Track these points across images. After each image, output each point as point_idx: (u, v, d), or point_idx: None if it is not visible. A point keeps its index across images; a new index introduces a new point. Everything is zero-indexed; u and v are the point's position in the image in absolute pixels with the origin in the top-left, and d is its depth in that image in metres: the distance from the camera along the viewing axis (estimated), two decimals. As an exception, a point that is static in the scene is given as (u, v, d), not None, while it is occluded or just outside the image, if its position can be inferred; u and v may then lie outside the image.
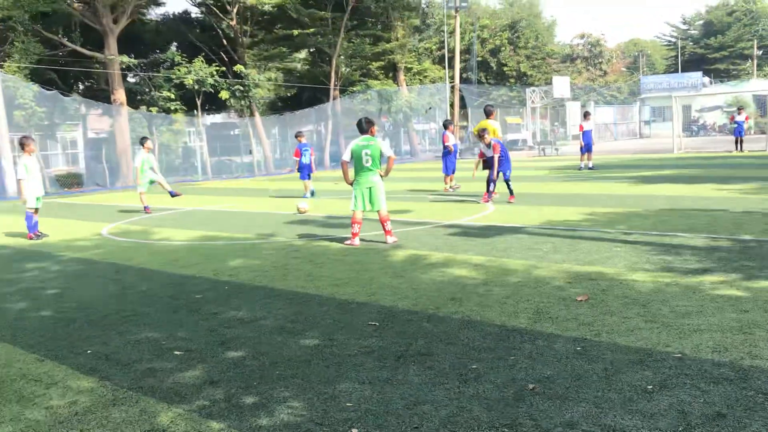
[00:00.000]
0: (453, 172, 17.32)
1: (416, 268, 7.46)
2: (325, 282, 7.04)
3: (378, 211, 9.24)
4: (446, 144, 17.56)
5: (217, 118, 45.65)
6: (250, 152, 33.69)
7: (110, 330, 5.66)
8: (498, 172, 13.40)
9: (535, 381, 4.00)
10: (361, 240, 9.40)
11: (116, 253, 9.77)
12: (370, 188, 9.16)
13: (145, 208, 15.24)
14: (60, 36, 26.64)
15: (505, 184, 13.72)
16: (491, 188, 13.64)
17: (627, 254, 7.58)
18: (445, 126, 18.74)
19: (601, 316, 5.23)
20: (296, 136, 18.40)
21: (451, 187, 17.08)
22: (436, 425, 3.47)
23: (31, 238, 11.50)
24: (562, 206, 12.42)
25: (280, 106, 42.25)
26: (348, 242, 9.34)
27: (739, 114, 29.09)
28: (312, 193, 17.32)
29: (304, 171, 17.67)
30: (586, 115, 23.85)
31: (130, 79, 31.37)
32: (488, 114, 15.58)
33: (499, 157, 13.35)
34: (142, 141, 15.66)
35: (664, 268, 6.76)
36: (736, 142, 27.91)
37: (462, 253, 8.17)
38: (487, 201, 13.57)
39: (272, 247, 9.54)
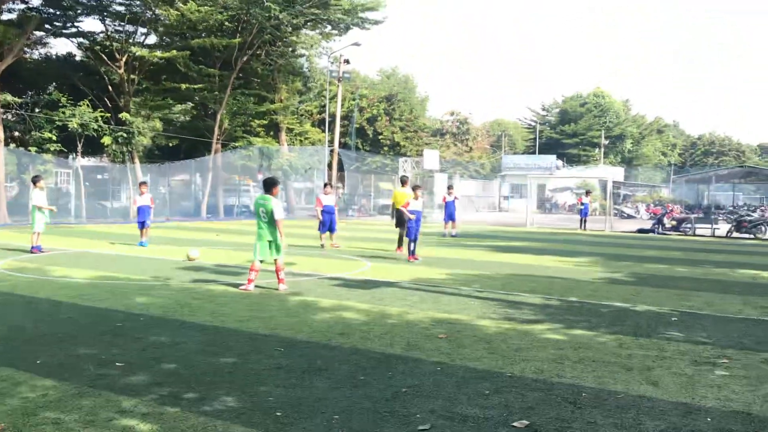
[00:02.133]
0: (333, 231, 18.81)
1: (308, 311, 8.83)
2: (230, 318, 8.23)
3: (276, 260, 10.52)
4: (318, 206, 18.97)
5: (87, 160, 44.95)
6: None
7: (50, 346, 6.59)
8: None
9: (406, 386, 5.49)
10: (256, 286, 10.61)
11: (21, 287, 10.38)
12: (270, 241, 10.42)
13: (33, 248, 15.44)
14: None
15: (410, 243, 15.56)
16: (411, 247, 15.57)
17: (478, 306, 9.36)
18: (324, 186, 20.35)
19: (456, 348, 6.84)
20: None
21: (330, 245, 18.52)
22: (337, 411, 4.86)
23: (-77, 269, 11.73)
24: (428, 267, 14.21)
25: (157, 154, 42.39)
26: (243, 287, 10.51)
27: (585, 196, 32.91)
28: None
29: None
30: (449, 188, 26.40)
31: (8, 117, 30.75)
32: (403, 183, 18.12)
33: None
34: (35, 179, 15.98)
35: (506, 318, 8.55)
36: (581, 222, 31.50)
37: (346, 300, 9.63)
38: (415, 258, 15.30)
39: (173, 288, 10.54)
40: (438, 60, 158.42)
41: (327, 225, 18.75)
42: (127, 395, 5.10)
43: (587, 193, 34.18)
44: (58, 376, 5.55)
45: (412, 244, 15.62)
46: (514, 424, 4.65)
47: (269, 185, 10.55)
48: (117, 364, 5.99)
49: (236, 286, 10.80)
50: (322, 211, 18.72)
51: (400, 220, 16.71)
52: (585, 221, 31.43)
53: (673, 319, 8.79)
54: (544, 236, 26.24)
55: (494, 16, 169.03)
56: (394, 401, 5.11)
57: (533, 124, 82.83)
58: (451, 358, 6.46)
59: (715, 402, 5.28)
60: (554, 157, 61.92)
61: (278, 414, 4.77)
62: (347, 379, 5.69)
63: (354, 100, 56.49)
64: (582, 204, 32.44)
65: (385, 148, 57.07)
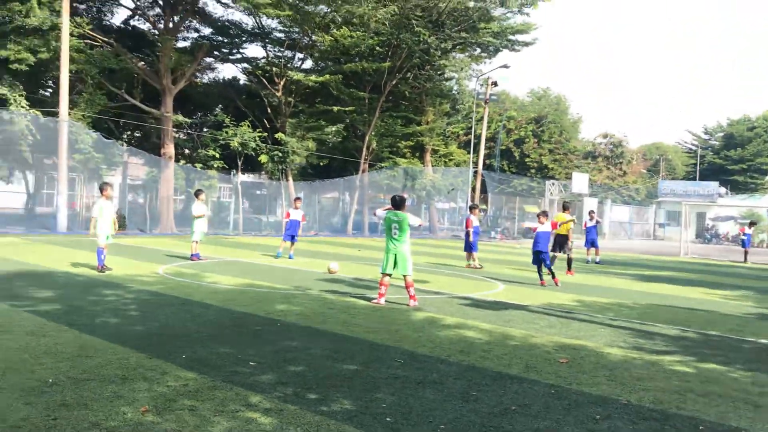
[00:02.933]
0: (475, 251, 19.08)
1: (433, 327, 9.07)
2: (359, 329, 8.66)
3: (405, 277, 10.89)
4: (468, 227, 19.35)
5: (246, 177, 48.15)
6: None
7: (196, 343, 7.31)
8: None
9: (516, 405, 5.58)
10: (386, 301, 11.01)
11: (177, 289, 11.48)
12: (395, 255, 10.83)
13: (192, 255, 16.91)
14: (122, 91, 29.16)
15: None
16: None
17: (608, 334, 9.15)
18: (470, 209, 20.67)
19: (575, 374, 6.80)
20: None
21: (474, 265, 18.76)
22: (444, 422, 5.06)
23: (100, 271, 13.25)
24: (563, 293, 13.98)
25: (309, 172, 44.62)
26: (375, 301, 10.96)
27: (749, 227, 30.70)
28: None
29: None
30: (590, 213, 25.52)
31: (179, 135, 33.81)
32: (565, 208, 18.96)
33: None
34: (198, 193, 17.52)
35: (635, 347, 8.31)
36: (744, 253, 29.42)
37: (471, 320, 9.77)
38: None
39: (310, 298, 11.19)
40: (593, 80, 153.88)
41: (476, 245, 19.22)
42: (255, 391, 5.59)
43: (751, 223, 31.81)
44: (199, 370, 6.18)
45: (548, 269, 15.48)
46: (619, 450, 4.62)
47: (400, 203, 10.96)
48: (250, 363, 6.55)
49: (369, 299, 11.25)
50: (469, 234, 19.11)
51: (560, 244, 17.82)
52: (746, 253, 29.32)
53: (824, 360, 8.14)
54: (698, 267, 24.74)
55: (652, 35, 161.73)
56: (501, 418, 5.22)
57: (694, 148, 78.10)
58: (568, 382, 6.44)
59: None
60: (716, 183, 57.97)
61: (388, 419, 5.05)
62: (459, 393, 5.86)
63: (501, 121, 56.29)
64: (744, 234, 30.28)
65: (532, 171, 56.22)
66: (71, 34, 25.05)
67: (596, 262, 23.68)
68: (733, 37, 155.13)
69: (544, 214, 15.74)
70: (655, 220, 58.58)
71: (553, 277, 15.37)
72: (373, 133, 38.26)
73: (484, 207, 47.45)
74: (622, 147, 67.97)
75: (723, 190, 59.73)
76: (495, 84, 43.55)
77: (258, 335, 7.95)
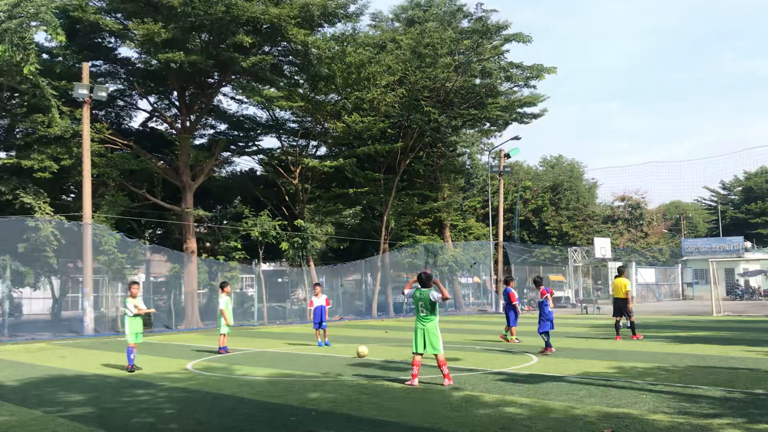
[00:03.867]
0: (515, 325, 18.69)
1: (471, 405, 8.86)
2: (395, 412, 8.47)
3: (436, 356, 10.72)
4: (513, 300, 18.86)
5: (267, 265, 48.39)
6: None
7: (232, 439, 7.18)
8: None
9: (568, 482, 5.37)
10: (420, 382, 10.80)
11: (209, 384, 11.37)
12: (424, 332, 10.72)
13: (220, 349, 16.82)
14: (143, 190, 29.79)
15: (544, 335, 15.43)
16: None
17: (651, 400, 8.87)
18: (507, 282, 20.08)
19: (623, 444, 6.56)
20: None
21: (515, 339, 18.39)
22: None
23: (130, 370, 13.19)
24: (599, 360, 13.66)
25: (330, 256, 44.77)
26: (408, 383, 10.76)
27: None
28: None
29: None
30: (616, 277, 25.17)
31: (200, 230, 34.25)
32: (620, 273, 19.91)
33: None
34: (223, 285, 17.59)
35: (681, 412, 8.04)
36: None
37: (510, 395, 9.54)
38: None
39: (342, 384, 11.01)
40: (603, 144, 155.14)
41: (516, 319, 18.76)
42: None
43: (781, 275, 31.23)
44: (238, 466, 6.05)
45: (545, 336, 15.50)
46: None
47: (426, 280, 10.93)
48: (289, 455, 6.41)
49: (402, 381, 11.05)
50: (514, 306, 18.76)
51: (618, 308, 19.01)
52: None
53: None
54: (733, 324, 24.15)
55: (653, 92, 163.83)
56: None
57: (713, 204, 77.63)
58: (617, 453, 6.21)
59: None
60: (741, 238, 57.27)
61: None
62: (506, 473, 5.67)
63: (517, 192, 56.55)
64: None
65: (553, 239, 56.00)
66: (92, 140, 25.82)
67: (627, 327, 23.20)
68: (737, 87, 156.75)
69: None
70: (682, 279, 57.64)
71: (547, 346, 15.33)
72: (390, 213, 38.54)
73: (514, 278, 47.04)
74: (641, 208, 67.78)
75: (748, 244, 58.95)
76: (507, 156, 44.00)
77: (293, 426, 7.80)
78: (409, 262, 39.51)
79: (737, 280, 54.07)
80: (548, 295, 16.06)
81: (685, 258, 57.52)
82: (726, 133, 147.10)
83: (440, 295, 10.88)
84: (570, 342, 18.02)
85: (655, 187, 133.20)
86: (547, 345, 15.39)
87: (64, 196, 30.74)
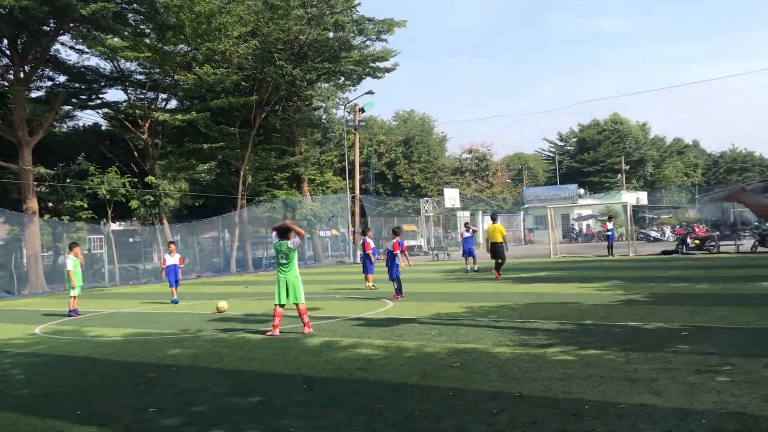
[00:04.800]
0: (372, 273, 19.53)
1: (330, 350, 9.24)
2: (257, 362, 8.67)
3: (297, 305, 10.99)
4: (368, 249, 19.82)
5: (118, 225, 46.27)
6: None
7: (87, 399, 7.07)
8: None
9: (419, 411, 5.86)
10: (281, 331, 11.05)
11: (59, 348, 10.96)
12: (286, 281, 10.95)
13: (70, 311, 16.11)
14: (-27, 147, 27.38)
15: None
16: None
17: (494, 335, 9.68)
18: (364, 232, 21.34)
19: (469, 375, 7.19)
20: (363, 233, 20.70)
21: (371, 285, 19.19)
22: (353, 435, 5.25)
23: (-31, 338, 12.38)
24: (448, 302, 14.56)
25: (185, 213, 43.56)
26: (269, 333, 10.97)
27: (609, 222, 33.06)
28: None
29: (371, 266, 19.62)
30: (465, 225, 26.83)
31: (41, 189, 32.02)
32: (493, 219, 22.10)
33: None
34: (72, 246, 16.75)
35: (521, 344, 8.87)
36: (608, 248, 31.61)
37: (366, 338, 10.02)
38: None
39: (203, 339, 11.03)
40: (453, 98, 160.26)
41: (373, 267, 19.77)
42: (160, 435, 5.54)
43: (610, 218, 34.28)
44: (98, 423, 6.02)
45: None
46: (516, 435, 5.00)
47: (284, 231, 11.10)
48: (150, 409, 6.45)
49: (263, 332, 11.24)
50: (368, 256, 19.72)
51: (495, 251, 20.86)
52: (611, 247, 31.56)
53: (683, 333, 9.04)
54: (569, 265, 26.39)
55: (498, 45, 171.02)
56: (407, 424, 5.48)
57: (552, 155, 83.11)
58: (464, 383, 6.81)
59: (712, 405, 5.55)
60: (576, 186, 62.04)
61: (299, 442, 5.17)
62: (364, 408, 6.07)
63: (372, 146, 57.49)
64: (608, 230, 32.58)
65: (406, 191, 57.74)
66: None
67: (474, 271, 24.68)
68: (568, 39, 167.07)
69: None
70: (524, 225, 61.64)
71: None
72: (247, 168, 38.01)
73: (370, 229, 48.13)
74: (486, 160, 71.22)
75: (582, 191, 63.99)
76: (362, 110, 44.53)
77: (154, 382, 7.79)
78: (268, 216, 39.33)
79: (572, 225, 58.69)
80: (399, 251, 16.81)
81: (526, 205, 61.48)
82: (565, 88, 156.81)
83: (297, 239, 11.08)
84: (423, 287, 18.97)
85: (500, 140, 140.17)
86: (397, 292, 16.10)
87: None
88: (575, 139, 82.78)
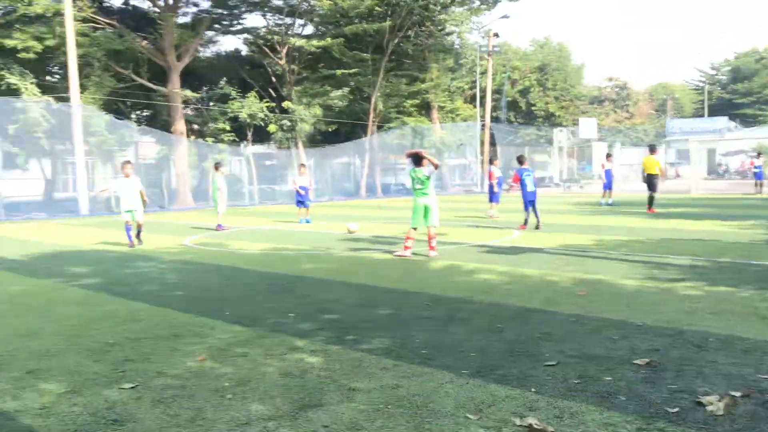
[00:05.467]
0: (497, 202, 19.60)
1: (454, 273, 9.52)
2: (386, 280, 9.12)
3: (429, 228, 11.32)
4: (492, 179, 19.84)
5: (256, 148, 48.52)
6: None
7: (234, 302, 7.79)
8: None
9: (540, 333, 6.03)
10: (413, 254, 11.45)
11: (208, 257, 11.99)
12: (424, 206, 11.30)
13: (217, 226, 17.44)
14: (129, 71, 29.44)
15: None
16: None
17: (623, 268, 9.56)
18: (491, 161, 21.35)
19: (593, 303, 7.23)
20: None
21: (493, 214, 19.30)
22: (474, 351, 5.52)
23: (131, 246, 13.77)
24: (578, 234, 14.38)
25: (318, 139, 44.91)
26: (399, 254, 11.40)
27: (757, 158, 30.84)
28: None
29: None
30: (607, 156, 25.92)
31: (187, 111, 34.13)
32: (652, 151, 21.48)
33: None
34: (217, 166, 17.99)
35: (649, 278, 8.72)
36: (756, 185, 29.63)
37: (491, 264, 10.21)
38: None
39: (334, 257, 11.67)
40: (594, 24, 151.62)
41: (498, 196, 19.89)
42: (298, 337, 6.07)
43: (759, 155, 31.91)
44: (244, 324, 6.66)
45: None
46: (636, 361, 5.06)
47: (418, 159, 11.37)
48: (289, 315, 7.03)
49: (392, 253, 11.70)
50: (492, 185, 19.81)
51: (651, 183, 20.39)
52: (761, 185, 29.56)
53: (831, 276, 8.52)
54: (710, 202, 25.02)
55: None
56: (527, 344, 5.67)
57: (702, 84, 77.40)
58: (587, 311, 6.87)
59: None
60: (725, 119, 57.71)
61: (423, 351, 5.51)
62: (485, 327, 6.31)
63: (505, 73, 56.04)
64: (756, 167, 30.46)
65: (539, 120, 56.14)
66: (75, 19, 25.24)
67: (609, 204, 24.00)
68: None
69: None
70: (665, 160, 58.52)
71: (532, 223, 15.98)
72: (378, 94, 38.40)
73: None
74: (627, 89, 67.58)
75: (732, 124, 59.47)
76: (496, 35, 43.37)
77: (292, 291, 8.42)
78: (398, 143, 39.82)
79: (718, 161, 55.00)
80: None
81: (668, 138, 58.11)
82: (720, 12, 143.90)
83: (431, 168, 11.34)
84: (552, 218, 18.75)
85: (643, 68, 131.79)
86: (531, 221, 16.02)
87: (49, 78, 30.34)
88: (728, 68, 76.44)
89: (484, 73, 45.70)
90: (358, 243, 13.68)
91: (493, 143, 46.02)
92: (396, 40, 37.22)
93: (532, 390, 4.48)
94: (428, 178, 11.31)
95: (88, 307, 7.65)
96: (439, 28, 42.24)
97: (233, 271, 10.23)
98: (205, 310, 7.33)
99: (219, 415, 4.14)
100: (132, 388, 4.71)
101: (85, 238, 16.26)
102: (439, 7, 38.47)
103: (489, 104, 43.85)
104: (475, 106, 46.14)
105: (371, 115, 38.42)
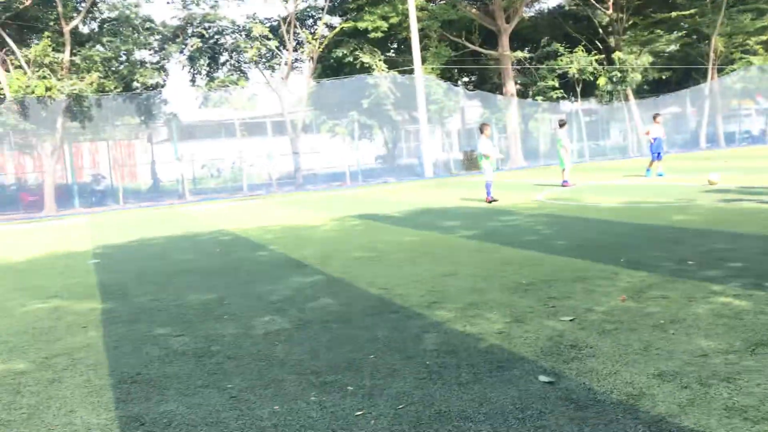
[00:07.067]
0: None
1: None
2: (779, 229, 8.50)
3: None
4: None
5: (579, 104, 47.51)
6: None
7: (621, 251, 7.90)
8: None
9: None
10: (793, 203, 10.46)
11: (567, 211, 12.32)
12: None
13: (564, 182, 17.75)
14: (462, 39, 31.01)
15: None
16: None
17: None
18: None
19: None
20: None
21: None
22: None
23: (489, 202, 14.75)
24: None
25: (645, 89, 42.39)
26: (780, 204, 10.48)
27: None
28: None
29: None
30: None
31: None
32: None
33: None
34: (562, 123, 18.26)
35: None
36: None
37: None
38: None
39: (703, 208, 11.13)
40: None
41: None
42: (711, 283, 6.01)
43: None
44: (645, 269, 6.77)
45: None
46: None
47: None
48: (688, 262, 6.96)
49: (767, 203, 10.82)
50: None
51: None
52: None
53: None
54: None
55: None
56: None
57: None
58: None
59: None
60: None
61: None
62: None
63: None
64: None
65: None
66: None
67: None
68: None
69: None
70: None
71: None
72: (718, 34, 34.89)
73: None
74: None
75: None
76: None
77: (676, 241, 8.30)
78: (742, 87, 35.88)
79: None
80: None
81: None
82: None
83: None
84: None
85: None
86: None
87: (389, 53, 33.37)
88: None
89: None
90: (725, 194, 12.84)
91: None
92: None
93: None
94: None
95: (486, 254, 8.47)
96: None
97: (603, 223, 10.39)
98: (598, 258, 7.62)
99: (671, 346, 4.38)
100: (571, 320, 5.19)
101: (442, 197, 17.76)
102: None
103: None
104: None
105: (711, 58, 35.09)
